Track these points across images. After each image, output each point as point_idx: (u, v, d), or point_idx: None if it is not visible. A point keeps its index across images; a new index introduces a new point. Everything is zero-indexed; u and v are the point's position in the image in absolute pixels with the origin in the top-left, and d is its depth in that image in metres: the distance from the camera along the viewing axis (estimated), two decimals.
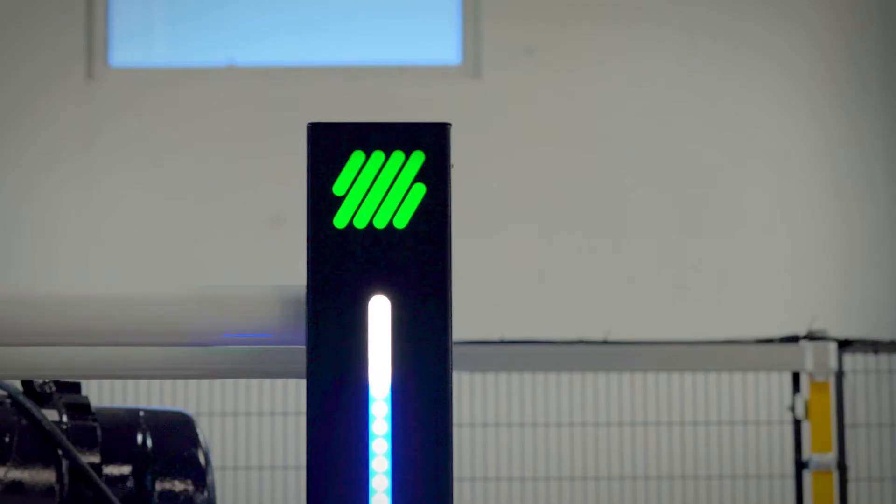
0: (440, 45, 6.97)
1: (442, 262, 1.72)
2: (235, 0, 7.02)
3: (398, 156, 1.72)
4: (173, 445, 2.39)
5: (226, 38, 6.96)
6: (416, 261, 1.71)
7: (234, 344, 1.89)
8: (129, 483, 2.28)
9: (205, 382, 5.33)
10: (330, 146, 1.72)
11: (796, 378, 5.14)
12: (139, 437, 2.36)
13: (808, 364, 5.04)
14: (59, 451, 2.23)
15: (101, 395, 5.00)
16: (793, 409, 5.16)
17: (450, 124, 1.73)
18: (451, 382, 1.71)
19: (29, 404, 2.26)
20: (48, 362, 1.99)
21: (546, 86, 6.85)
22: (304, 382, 1.72)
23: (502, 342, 5.16)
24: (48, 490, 2.17)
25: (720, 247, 6.77)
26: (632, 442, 5.79)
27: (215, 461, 2.77)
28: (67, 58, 6.83)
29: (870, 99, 6.83)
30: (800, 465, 5.14)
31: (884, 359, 5.47)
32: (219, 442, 5.40)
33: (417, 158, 1.72)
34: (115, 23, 6.94)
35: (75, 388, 2.39)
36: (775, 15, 6.88)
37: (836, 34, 6.87)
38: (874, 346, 5.24)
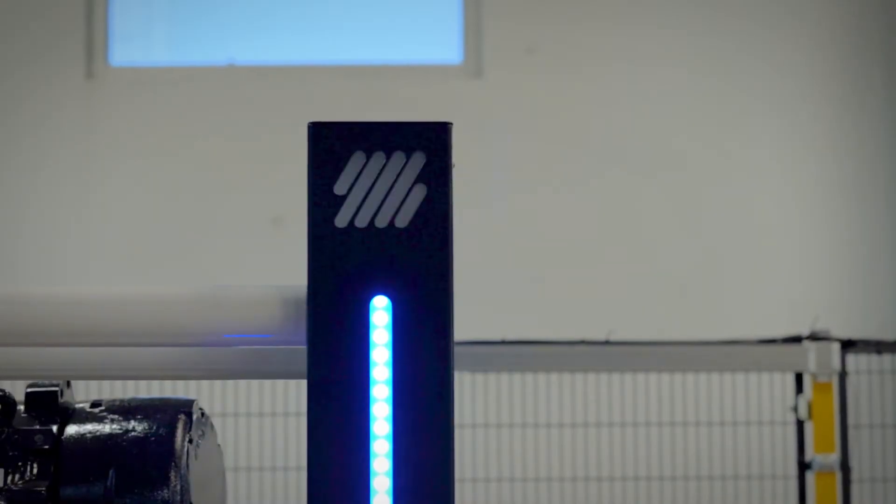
0: (441, 45, 6.96)
1: (443, 261, 1.71)
2: (235, 0, 7.01)
3: (399, 156, 1.72)
4: None
5: (226, 38, 6.95)
6: (417, 260, 1.71)
7: (234, 344, 1.88)
8: None
9: (205, 383, 5.32)
10: (331, 145, 1.72)
11: (799, 378, 5.14)
12: None
13: (811, 364, 5.04)
14: None
15: (101, 395, 4.99)
16: (796, 409, 5.15)
17: (451, 124, 1.73)
18: (453, 383, 1.70)
19: None
20: (48, 362, 1.99)
21: (547, 85, 6.84)
22: (304, 383, 1.71)
23: (504, 342, 5.15)
24: None
25: (723, 247, 6.76)
26: (633, 442, 5.78)
27: None
28: (67, 57, 6.83)
29: (873, 100, 6.82)
30: (803, 466, 5.13)
31: (887, 359, 5.46)
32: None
33: (419, 158, 1.72)
34: (115, 22, 6.94)
35: None
36: (778, 16, 6.87)
37: (839, 36, 6.86)
38: (877, 347, 5.23)
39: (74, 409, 2.02)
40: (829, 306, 6.48)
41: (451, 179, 1.72)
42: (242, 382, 5.39)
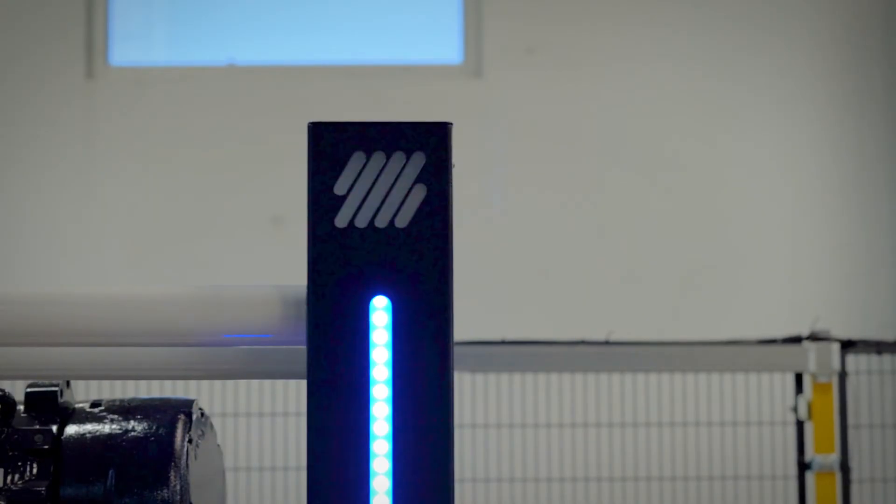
0: (441, 45, 6.96)
1: (443, 261, 1.71)
2: (235, 0, 7.00)
3: (399, 156, 1.72)
4: None
5: (226, 38, 6.95)
6: (417, 261, 1.70)
7: (234, 344, 1.88)
8: None
9: (205, 383, 5.32)
10: (331, 145, 1.71)
11: (799, 379, 5.14)
12: None
13: (811, 365, 5.04)
14: None
15: (101, 395, 4.98)
16: (795, 409, 5.15)
17: (451, 124, 1.73)
18: (452, 383, 1.70)
19: None
20: (48, 362, 1.99)
21: (547, 85, 6.84)
22: (304, 383, 1.71)
23: (504, 342, 5.15)
24: None
25: (723, 247, 6.76)
26: (633, 443, 5.78)
27: None
28: (67, 56, 6.82)
29: (873, 101, 6.82)
30: (802, 467, 5.13)
31: (887, 359, 5.46)
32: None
33: (418, 158, 1.71)
34: (115, 22, 6.93)
35: None
36: (778, 17, 6.87)
37: (839, 36, 6.86)
38: (877, 347, 5.23)
39: (74, 409, 2.02)
40: (829, 306, 6.48)
41: (451, 179, 1.72)
42: (242, 382, 5.39)
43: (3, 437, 1.94)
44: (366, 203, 1.71)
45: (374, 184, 1.72)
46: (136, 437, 1.94)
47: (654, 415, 5.73)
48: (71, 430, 1.96)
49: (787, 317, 6.34)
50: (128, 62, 6.92)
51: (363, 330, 1.69)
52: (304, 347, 1.71)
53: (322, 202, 1.71)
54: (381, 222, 1.71)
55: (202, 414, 2.04)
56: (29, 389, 2.00)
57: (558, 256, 6.73)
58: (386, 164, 1.72)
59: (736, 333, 5.61)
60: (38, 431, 1.94)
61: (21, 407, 2.00)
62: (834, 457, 4.98)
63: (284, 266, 5.20)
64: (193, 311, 1.79)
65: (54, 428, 1.95)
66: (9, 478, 1.91)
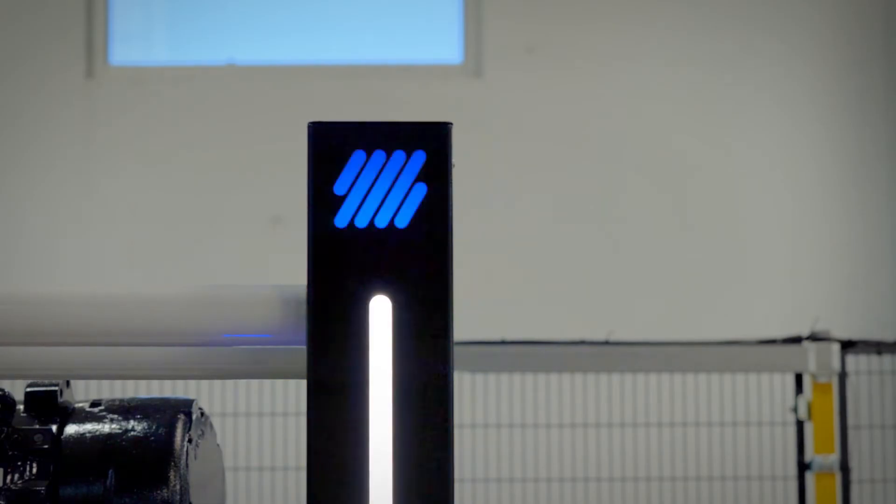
0: (441, 44, 6.96)
1: (443, 261, 1.71)
2: (235, 0, 7.01)
3: (399, 155, 1.72)
4: None
5: (226, 37, 6.95)
6: (417, 261, 1.70)
7: (234, 344, 1.88)
8: None
9: (204, 382, 5.32)
10: (331, 145, 1.71)
11: (799, 379, 5.14)
12: None
13: (811, 365, 5.04)
14: None
15: (101, 395, 4.97)
16: (795, 410, 5.16)
17: (451, 124, 1.73)
18: (452, 383, 1.70)
19: None
20: (48, 362, 1.99)
21: (547, 85, 6.84)
22: (304, 383, 1.71)
23: (504, 342, 5.16)
24: None
25: (723, 247, 6.76)
26: (633, 443, 5.78)
27: None
28: (67, 56, 6.82)
29: (874, 101, 6.82)
30: (802, 467, 5.13)
31: (887, 360, 5.46)
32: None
33: (418, 158, 1.71)
34: (115, 21, 6.94)
35: None
36: (778, 17, 6.87)
37: (840, 37, 6.86)
38: (877, 347, 5.24)
39: (74, 409, 2.01)
40: (829, 307, 6.48)
41: (451, 179, 1.72)
42: (242, 382, 5.39)
43: (2, 436, 1.94)
44: (366, 203, 1.71)
45: (374, 184, 1.71)
46: (135, 437, 1.94)
47: (654, 415, 5.73)
48: (70, 429, 1.96)
49: (787, 317, 6.34)
50: (128, 62, 6.92)
51: (363, 330, 1.69)
52: (304, 347, 1.71)
53: (322, 202, 1.71)
54: (381, 222, 1.71)
55: (202, 414, 2.04)
56: (29, 389, 2.00)
57: (558, 256, 6.73)
58: (386, 163, 1.72)
59: (736, 334, 5.61)
60: (37, 431, 1.94)
61: (21, 406, 2.00)
62: (834, 457, 4.99)
63: (284, 266, 5.20)
64: (193, 311, 1.79)
65: (54, 427, 1.95)
66: (8, 477, 1.91)
